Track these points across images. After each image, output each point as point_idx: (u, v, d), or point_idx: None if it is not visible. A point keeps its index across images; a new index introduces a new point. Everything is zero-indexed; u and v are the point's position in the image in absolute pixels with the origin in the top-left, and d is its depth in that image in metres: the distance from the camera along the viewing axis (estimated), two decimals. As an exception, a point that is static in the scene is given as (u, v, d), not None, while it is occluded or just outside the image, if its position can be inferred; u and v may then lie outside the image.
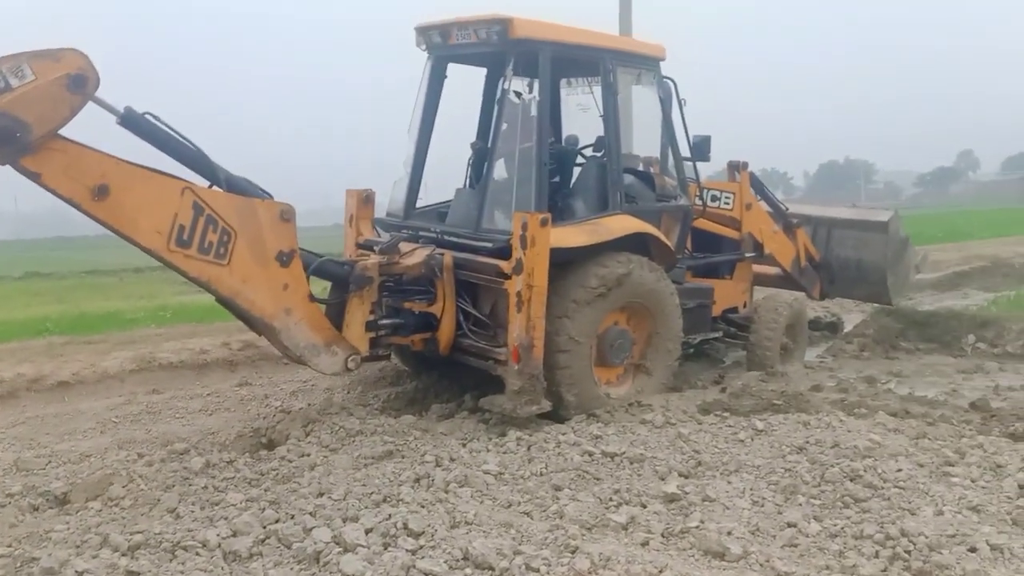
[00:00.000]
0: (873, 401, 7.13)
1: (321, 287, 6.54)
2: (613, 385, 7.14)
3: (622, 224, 7.00)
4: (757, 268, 9.39)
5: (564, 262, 6.58)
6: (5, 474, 5.80)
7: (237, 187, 5.68)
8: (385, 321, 6.61)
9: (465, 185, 7.77)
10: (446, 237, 7.08)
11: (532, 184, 6.62)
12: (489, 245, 6.67)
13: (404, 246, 6.83)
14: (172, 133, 5.45)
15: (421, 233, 7.26)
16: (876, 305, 10.72)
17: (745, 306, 9.09)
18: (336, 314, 6.39)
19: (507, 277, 6.33)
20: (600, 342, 6.90)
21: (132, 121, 5.29)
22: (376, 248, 6.80)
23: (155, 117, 5.36)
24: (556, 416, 6.56)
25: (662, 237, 7.33)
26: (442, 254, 6.70)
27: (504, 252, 6.41)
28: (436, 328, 6.79)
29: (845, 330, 10.82)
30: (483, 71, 7.88)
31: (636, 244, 7.09)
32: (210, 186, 5.55)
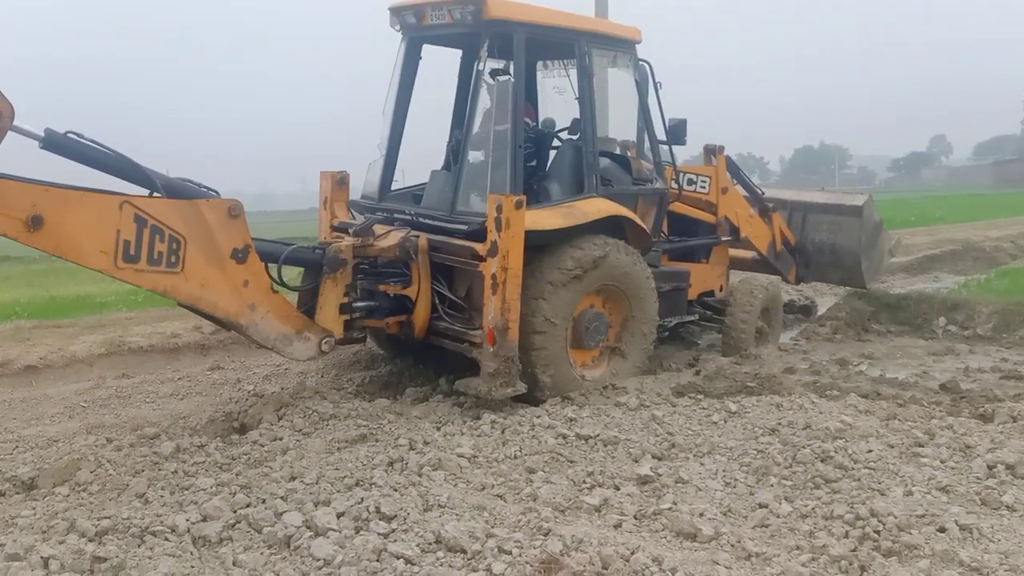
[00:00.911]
0: (845, 383, 7.19)
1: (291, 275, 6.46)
2: (588, 367, 7.13)
3: (597, 207, 6.97)
4: (733, 252, 9.42)
5: (539, 245, 6.56)
6: (-30, 460, 5.69)
7: (177, 190, 5.51)
8: (359, 304, 6.55)
9: (443, 168, 7.69)
10: (421, 219, 7.01)
11: (507, 166, 6.57)
12: (464, 227, 6.61)
13: (379, 228, 6.76)
14: (98, 147, 5.30)
15: (396, 215, 7.20)
16: (849, 288, 10.81)
17: (721, 290, 9.11)
18: (309, 298, 6.32)
19: (482, 259, 6.28)
20: (576, 324, 6.89)
21: (55, 143, 5.11)
22: (350, 230, 6.73)
23: (77, 135, 5.20)
24: (531, 399, 6.54)
25: (638, 220, 7.31)
26: (417, 236, 6.64)
27: (479, 234, 6.36)
28: (411, 311, 6.74)
29: (818, 313, 10.89)
30: (459, 54, 7.80)
31: (612, 227, 7.07)
32: (150, 194, 5.39)
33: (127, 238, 5.12)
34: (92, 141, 5.28)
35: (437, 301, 6.75)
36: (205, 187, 5.74)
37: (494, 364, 6.20)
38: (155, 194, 5.41)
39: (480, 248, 6.31)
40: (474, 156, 7.08)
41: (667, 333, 8.76)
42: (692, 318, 8.82)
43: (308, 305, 6.31)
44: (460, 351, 6.70)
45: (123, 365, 8.39)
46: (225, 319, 5.74)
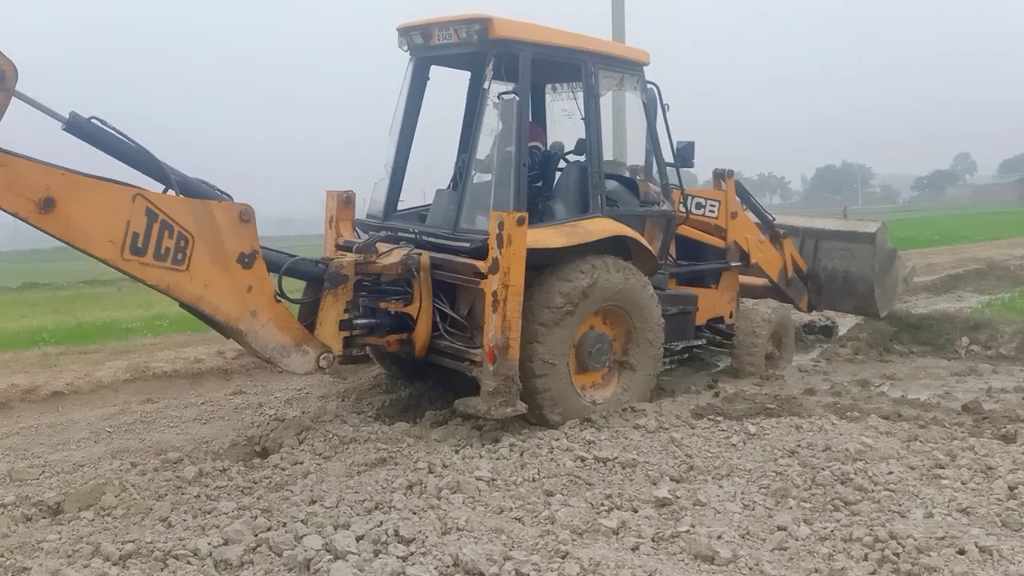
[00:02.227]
0: (866, 404, 7.15)
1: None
2: (599, 387, 7.05)
3: (601, 227, 6.92)
4: (744, 279, 9.31)
5: (542, 265, 6.53)
6: (-1, 484, 5.80)
7: (192, 189, 5.53)
8: (360, 321, 6.48)
9: (449, 187, 7.70)
10: (424, 238, 6.99)
11: (511, 185, 6.54)
12: (466, 245, 6.58)
13: (382, 246, 6.74)
14: (120, 137, 5.32)
15: (400, 234, 7.17)
16: None
17: (731, 316, 8.98)
18: (309, 313, 6.28)
19: (484, 277, 6.25)
20: (578, 351, 6.82)
21: (78, 126, 5.15)
22: (353, 247, 6.72)
23: (101, 121, 5.23)
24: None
25: (643, 241, 7.25)
26: (419, 254, 6.62)
27: (481, 252, 6.33)
28: (412, 329, 6.70)
29: (839, 334, 10.82)
30: (468, 75, 7.81)
31: (616, 248, 7.02)
32: (165, 191, 5.41)
33: (136, 230, 5.12)
34: (115, 130, 5.30)
35: (438, 319, 6.70)
36: (220, 190, 5.73)
37: (494, 383, 6.12)
38: (169, 191, 5.42)
39: (482, 266, 6.28)
40: (478, 175, 7.07)
41: (687, 355, 8.74)
42: (700, 342, 8.67)
43: (309, 319, 6.26)
44: (460, 370, 6.65)
45: (147, 390, 8.49)
46: (225, 323, 5.67)
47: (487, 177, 7.01)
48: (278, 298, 5.90)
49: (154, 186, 5.45)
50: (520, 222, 6.13)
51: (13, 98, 4.74)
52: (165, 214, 5.24)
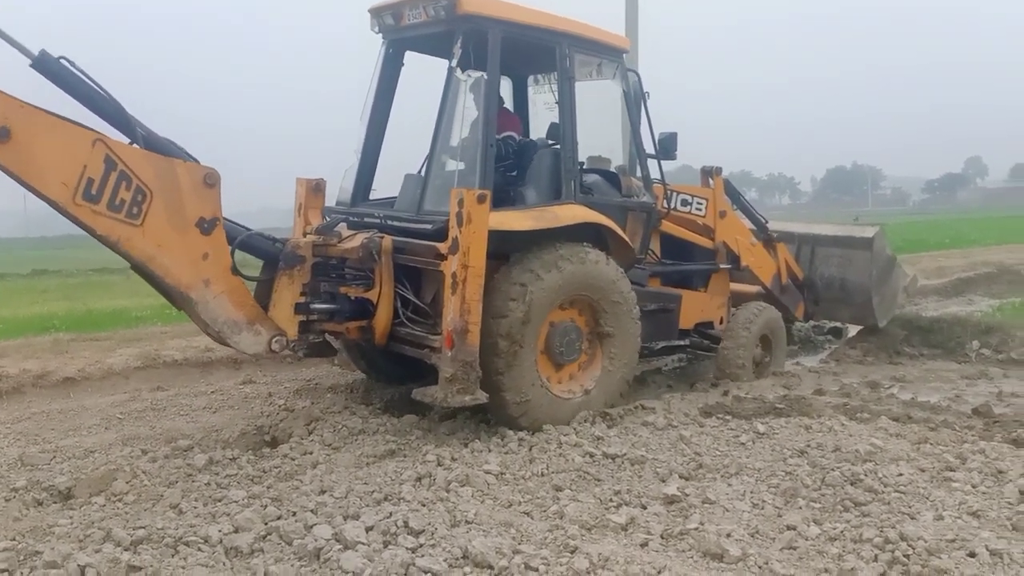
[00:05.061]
0: (876, 406, 7.12)
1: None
2: (585, 369, 6.84)
3: (572, 213, 6.68)
4: (736, 286, 8.99)
5: (506, 252, 6.34)
6: (10, 469, 5.83)
7: (157, 147, 5.33)
8: (318, 306, 6.21)
9: (418, 172, 7.40)
10: (390, 222, 6.76)
11: (476, 165, 6.37)
12: (428, 227, 6.34)
13: (345, 231, 6.58)
14: (89, 82, 5.13)
15: (366, 219, 6.97)
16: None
17: (722, 322, 8.66)
18: (265, 293, 6.05)
19: (445, 259, 6.03)
20: (548, 356, 6.56)
21: (46, 64, 4.97)
22: (313, 229, 6.55)
23: (70, 62, 5.05)
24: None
25: (618, 229, 7.01)
26: (381, 237, 6.38)
27: (443, 234, 6.09)
28: (372, 315, 6.48)
29: (849, 335, 10.77)
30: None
31: (591, 237, 6.80)
32: (131, 143, 5.20)
33: (92, 176, 4.91)
34: (84, 73, 5.11)
35: (399, 305, 6.48)
36: (188, 154, 5.52)
37: (451, 369, 5.83)
38: (134, 145, 5.24)
39: (442, 247, 6.05)
40: (444, 156, 6.91)
41: (692, 357, 8.58)
42: (682, 343, 8.44)
43: (263, 300, 6.00)
44: (420, 357, 6.46)
45: (158, 378, 8.55)
46: (175, 289, 5.37)
47: (452, 158, 6.82)
48: (235, 271, 5.66)
49: (121, 139, 5.25)
50: (481, 200, 5.85)
51: None
52: (125, 164, 5.04)
